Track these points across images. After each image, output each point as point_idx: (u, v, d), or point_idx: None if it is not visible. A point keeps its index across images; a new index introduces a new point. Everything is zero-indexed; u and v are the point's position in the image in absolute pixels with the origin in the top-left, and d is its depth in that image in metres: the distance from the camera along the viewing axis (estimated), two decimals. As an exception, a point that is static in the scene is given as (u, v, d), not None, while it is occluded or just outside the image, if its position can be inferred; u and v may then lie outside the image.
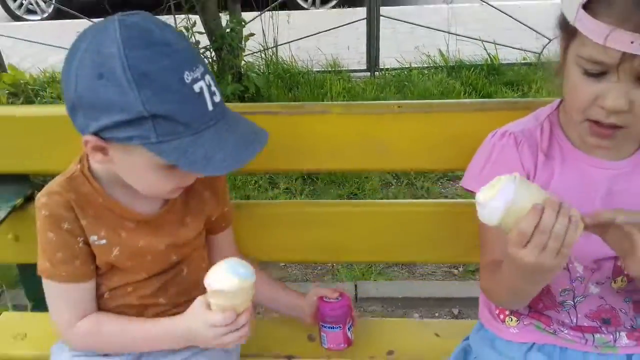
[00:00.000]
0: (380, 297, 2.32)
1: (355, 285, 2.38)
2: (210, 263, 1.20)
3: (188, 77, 0.91)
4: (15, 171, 1.40)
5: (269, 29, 4.29)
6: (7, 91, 4.48)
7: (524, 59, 4.56)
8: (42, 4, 7.03)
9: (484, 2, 4.71)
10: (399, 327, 1.46)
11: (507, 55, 4.57)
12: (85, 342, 1.15)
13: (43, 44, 5.19)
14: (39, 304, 1.33)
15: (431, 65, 4.63)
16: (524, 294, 1.01)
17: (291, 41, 4.41)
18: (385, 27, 5.33)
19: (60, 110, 1.02)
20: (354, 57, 4.99)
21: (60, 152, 1.21)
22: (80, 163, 1.11)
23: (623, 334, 1.10)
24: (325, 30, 5.03)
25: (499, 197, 0.85)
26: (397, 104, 1.27)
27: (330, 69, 4.59)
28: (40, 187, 1.16)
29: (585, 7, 0.87)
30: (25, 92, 4.49)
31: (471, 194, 1.08)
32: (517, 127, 1.10)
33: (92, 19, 4.72)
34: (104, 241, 1.10)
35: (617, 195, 1.03)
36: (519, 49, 4.54)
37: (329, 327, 1.31)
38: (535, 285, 0.97)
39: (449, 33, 4.74)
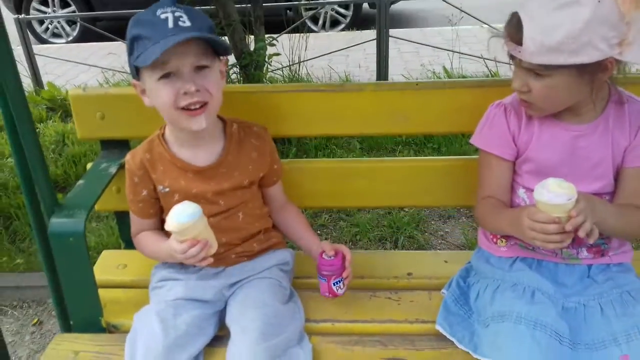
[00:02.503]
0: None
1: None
2: (266, 211, 1.63)
3: (159, 12, 1.33)
4: (118, 137, 1.80)
5: (288, 49, 4.70)
6: (45, 106, 4.90)
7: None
8: (67, 27, 7.45)
9: (485, 24, 5.11)
10: (415, 256, 1.85)
11: (508, 72, 4.91)
12: (137, 246, 1.61)
13: (76, 62, 5.60)
14: (129, 245, 1.71)
15: (437, 81, 5.01)
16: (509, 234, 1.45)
17: (305, 60, 4.80)
18: (392, 48, 5.73)
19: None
20: (365, 75, 5.38)
21: (148, 122, 1.57)
22: (160, 130, 1.53)
23: (584, 248, 1.47)
24: (337, 50, 5.43)
25: (563, 195, 1.21)
26: (416, 82, 1.68)
27: (344, 84, 4.97)
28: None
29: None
30: (62, 106, 4.90)
31: (475, 147, 1.52)
32: (509, 99, 1.50)
33: (117, 39, 5.13)
34: (167, 189, 1.51)
35: (579, 150, 1.41)
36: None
37: (320, 278, 1.54)
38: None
39: (452, 51, 5.13)
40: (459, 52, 5.10)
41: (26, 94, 4.29)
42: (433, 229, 3.12)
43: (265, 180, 1.61)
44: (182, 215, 1.31)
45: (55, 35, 7.53)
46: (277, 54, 4.25)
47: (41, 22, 7.42)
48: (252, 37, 4.22)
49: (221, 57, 1.45)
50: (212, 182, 1.50)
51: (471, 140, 1.53)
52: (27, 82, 5.20)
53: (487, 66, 4.85)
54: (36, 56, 5.28)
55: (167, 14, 1.32)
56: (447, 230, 3.11)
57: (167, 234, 1.55)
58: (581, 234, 1.21)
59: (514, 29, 1.28)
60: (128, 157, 1.54)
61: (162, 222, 1.54)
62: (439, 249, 2.97)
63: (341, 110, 1.67)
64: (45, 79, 5.40)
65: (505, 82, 1.64)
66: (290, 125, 1.72)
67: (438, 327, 1.48)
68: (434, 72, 5.10)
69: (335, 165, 1.84)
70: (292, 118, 1.71)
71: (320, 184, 1.78)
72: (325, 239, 3.03)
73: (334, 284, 1.52)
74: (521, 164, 1.47)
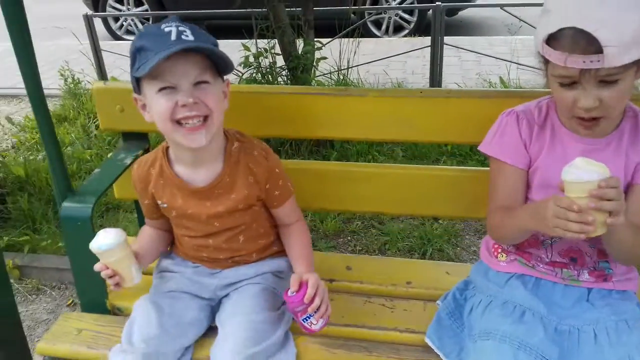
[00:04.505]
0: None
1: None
2: (270, 226, 1.62)
3: (164, 26, 1.33)
4: (138, 130, 1.89)
5: (340, 53, 4.72)
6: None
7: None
8: (140, 25, 7.76)
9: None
10: (417, 265, 1.84)
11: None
12: None
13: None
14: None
15: (441, 89, 4.88)
16: (524, 234, 1.37)
17: (359, 65, 4.80)
18: (452, 55, 5.65)
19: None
20: (419, 82, 5.32)
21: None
22: (166, 142, 1.53)
23: (585, 271, 1.41)
24: (391, 56, 5.39)
25: (593, 173, 1.14)
26: (420, 90, 1.66)
27: (394, 90, 4.95)
28: (154, 143, 1.61)
29: (547, 42, 1.23)
30: (124, 101, 5.12)
31: (484, 155, 1.48)
32: (521, 107, 1.45)
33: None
34: (165, 205, 1.54)
35: None
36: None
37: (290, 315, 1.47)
38: (527, 235, 1.37)
39: (510, 62, 4.99)
40: (517, 63, 4.95)
41: (91, 86, 4.57)
42: (466, 244, 3.05)
43: (266, 202, 1.58)
44: (101, 241, 1.38)
45: (129, 32, 7.85)
46: (324, 58, 4.27)
47: (116, 19, 7.79)
48: (301, 40, 4.28)
49: (224, 78, 1.46)
50: (207, 204, 1.50)
51: (481, 148, 1.48)
52: (92, 76, 5.48)
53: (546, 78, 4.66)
54: (102, 51, 5.54)
55: (171, 28, 1.33)
56: (480, 246, 3.03)
57: (168, 235, 1.65)
58: (610, 219, 1.13)
59: (583, 42, 1.16)
60: (134, 166, 1.59)
61: (169, 222, 1.61)
62: (469, 263, 2.90)
63: (344, 115, 1.67)
64: (114, 73, 5.67)
65: (509, 93, 1.63)
66: (290, 127, 1.74)
67: (427, 339, 1.46)
68: (489, 82, 4.97)
69: (337, 168, 1.84)
70: (295, 120, 1.72)
71: (324, 186, 1.78)
72: (355, 245, 3.06)
73: (303, 321, 1.42)
74: (532, 175, 1.42)
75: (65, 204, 1.60)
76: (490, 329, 1.33)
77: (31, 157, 3.95)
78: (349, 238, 3.13)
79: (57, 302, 2.78)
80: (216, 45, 1.39)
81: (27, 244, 3.04)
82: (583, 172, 1.13)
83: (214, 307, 1.58)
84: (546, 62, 1.27)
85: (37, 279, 2.92)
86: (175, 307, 1.50)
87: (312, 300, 1.39)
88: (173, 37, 1.31)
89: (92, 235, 1.54)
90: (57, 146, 1.61)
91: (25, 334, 1.93)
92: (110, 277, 1.41)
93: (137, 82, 1.40)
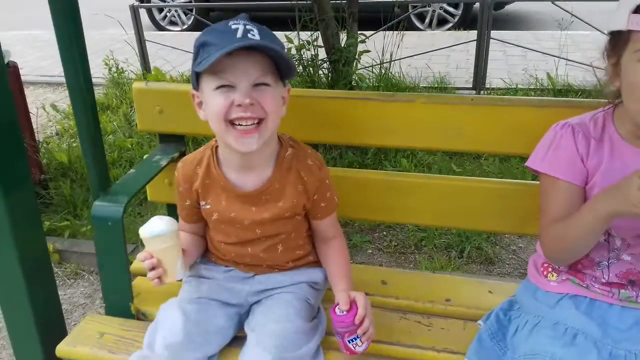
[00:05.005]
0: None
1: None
2: (308, 237, 1.57)
3: (231, 23, 1.29)
4: (175, 132, 1.86)
5: (383, 46, 4.63)
6: (150, 89, 5.19)
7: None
8: (183, 16, 7.85)
9: (597, 29, 4.75)
10: (457, 282, 1.74)
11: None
12: None
13: (182, 50, 5.87)
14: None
15: (538, 87, 4.74)
16: (592, 236, 1.24)
17: (402, 58, 4.71)
18: (497, 50, 5.50)
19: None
20: (463, 77, 5.19)
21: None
22: (215, 141, 1.49)
23: (646, 292, 1.30)
24: (432, 50, 5.28)
25: None
26: (471, 97, 1.56)
27: (436, 86, 4.84)
28: (193, 146, 1.58)
29: (635, 12, 1.13)
30: (165, 91, 5.17)
31: (533, 172, 1.38)
32: (575, 119, 1.35)
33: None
34: (208, 206, 1.49)
35: None
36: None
37: (336, 334, 1.40)
38: (595, 236, 1.24)
39: (559, 57, 4.81)
40: (565, 59, 4.77)
41: (134, 77, 4.63)
42: (505, 243, 2.97)
43: (309, 213, 1.53)
44: (153, 227, 1.33)
45: (172, 23, 7.95)
46: (367, 51, 4.20)
47: (160, 10, 7.85)
48: (344, 33, 4.21)
49: (285, 83, 1.40)
50: (253, 209, 1.45)
51: (531, 165, 1.38)
52: (136, 66, 5.54)
53: (596, 75, 4.48)
54: (146, 42, 5.59)
55: (238, 25, 1.28)
56: (521, 245, 2.95)
57: (204, 241, 1.60)
58: None
59: None
60: (179, 164, 1.53)
61: (204, 228, 1.58)
62: (507, 264, 2.82)
63: (390, 121, 1.60)
64: (157, 63, 5.71)
65: (568, 103, 1.52)
66: (334, 132, 1.68)
67: (466, 361, 1.39)
68: (536, 78, 4.81)
69: (381, 177, 1.75)
70: (339, 125, 1.66)
71: (365, 196, 1.71)
72: (390, 240, 3.02)
73: (349, 342, 1.37)
74: (589, 192, 1.31)
75: (97, 203, 1.59)
76: (538, 351, 1.24)
77: (74, 144, 4.02)
78: (384, 233, 3.08)
79: (94, 287, 2.82)
80: (283, 48, 1.34)
81: (68, 229, 3.10)
82: None
83: (242, 315, 1.53)
84: (622, 47, 1.18)
85: (76, 264, 2.97)
86: (202, 314, 1.45)
87: (362, 321, 1.34)
88: (239, 34, 1.26)
89: (121, 236, 1.55)
90: (93, 143, 1.59)
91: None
92: (153, 268, 1.35)
93: (197, 78, 1.35)
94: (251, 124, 1.31)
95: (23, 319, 1.70)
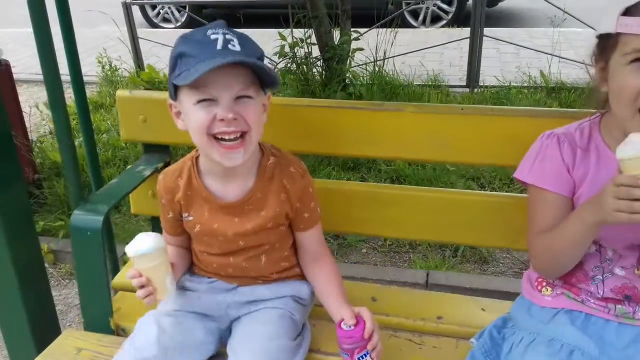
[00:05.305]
0: (449, 285, 2.53)
1: (427, 273, 2.62)
2: (295, 256, 1.54)
3: (209, 32, 1.24)
4: (160, 142, 1.82)
5: (377, 44, 4.62)
6: (143, 87, 5.16)
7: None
8: (176, 13, 7.80)
9: (589, 27, 4.74)
10: (450, 299, 1.71)
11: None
12: None
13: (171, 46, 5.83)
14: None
15: (531, 85, 4.73)
16: (580, 246, 1.23)
17: (395, 56, 4.69)
18: (490, 47, 5.48)
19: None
20: (456, 74, 5.18)
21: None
22: (196, 151, 1.46)
23: (642, 308, 1.29)
24: (426, 48, 5.26)
25: None
26: (461, 107, 1.55)
27: (430, 84, 4.83)
28: (176, 156, 1.56)
29: (624, 14, 1.11)
30: (158, 88, 5.13)
31: (521, 184, 1.37)
32: (561, 129, 1.34)
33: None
34: (191, 218, 1.45)
35: None
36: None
37: (342, 353, 1.33)
38: (583, 246, 1.23)
39: (552, 55, 4.80)
40: (558, 56, 4.76)
41: (127, 74, 4.58)
42: (499, 242, 2.97)
43: (293, 224, 1.49)
44: (139, 244, 1.30)
45: (166, 20, 7.90)
46: (361, 49, 4.18)
47: (154, 7, 7.80)
48: (338, 30, 4.19)
49: (266, 91, 1.36)
50: (235, 219, 1.42)
51: (518, 176, 1.37)
52: (130, 63, 5.50)
53: (588, 73, 4.47)
54: (139, 39, 5.55)
55: (217, 35, 1.24)
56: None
57: (189, 253, 1.57)
58: None
59: None
60: (160, 176, 1.50)
61: (189, 240, 1.55)
62: (501, 263, 2.82)
63: (378, 131, 1.58)
64: (151, 60, 5.68)
65: (560, 113, 1.50)
66: (321, 142, 1.65)
67: (459, 382, 1.38)
68: (529, 76, 4.80)
69: (366, 189, 1.73)
70: (326, 135, 1.63)
71: (351, 208, 1.68)
72: (385, 240, 2.99)
73: (359, 359, 1.30)
74: (576, 202, 1.30)
75: (76, 212, 1.55)
76: (534, 369, 1.23)
77: (68, 143, 3.99)
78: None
79: (90, 288, 2.81)
80: (262, 55, 1.32)
81: (62, 229, 3.09)
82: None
83: (223, 332, 1.50)
84: (610, 49, 1.16)
85: (71, 264, 2.95)
86: (179, 327, 1.41)
87: (370, 336, 1.30)
88: (219, 45, 1.22)
89: (101, 247, 1.52)
90: (72, 152, 1.59)
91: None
92: (142, 286, 1.32)
93: (175, 88, 1.31)
94: (234, 138, 1.28)
95: (17, 320, 1.68)
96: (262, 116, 1.36)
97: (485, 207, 1.61)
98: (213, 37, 1.24)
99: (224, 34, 1.24)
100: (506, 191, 3.23)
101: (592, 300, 1.32)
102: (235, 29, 1.29)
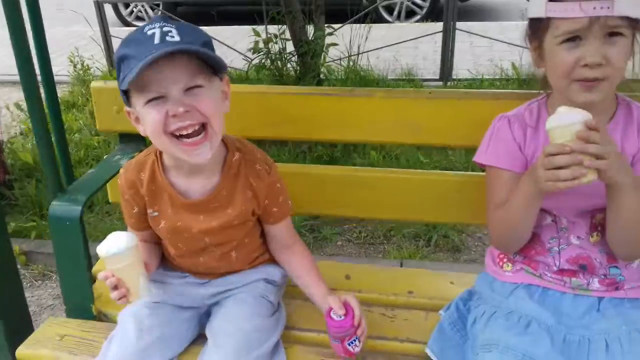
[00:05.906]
0: (422, 273, 2.57)
1: (401, 262, 2.67)
2: (266, 249, 1.54)
3: (146, 29, 1.21)
4: (134, 131, 1.77)
5: (351, 39, 4.65)
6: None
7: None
8: (150, 11, 7.73)
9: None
10: (420, 275, 1.77)
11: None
12: None
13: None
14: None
15: (503, 77, 4.80)
16: (530, 216, 1.30)
17: (369, 51, 4.73)
18: (464, 41, 5.55)
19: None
20: (430, 68, 5.24)
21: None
22: None
23: (595, 279, 1.36)
24: (401, 42, 5.30)
25: (575, 114, 1.13)
26: (429, 91, 1.60)
27: (404, 78, 4.88)
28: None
29: (551, 0, 1.19)
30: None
31: (480, 166, 1.43)
32: (512, 112, 1.42)
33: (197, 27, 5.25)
34: (156, 213, 1.41)
35: None
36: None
37: (332, 339, 1.40)
38: (531, 215, 1.30)
39: (524, 47, 4.86)
40: (528, 48, 4.82)
41: (101, 73, 4.53)
42: (471, 230, 3.04)
43: (261, 218, 1.49)
44: (110, 244, 1.29)
45: (139, 18, 7.80)
46: (335, 44, 4.21)
47: (127, 5, 7.73)
48: (312, 26, 4.21)
49: (221, 77, 1.31)
50: (200, 217, 1.39)
51: (477, 159, 1.43)
52: (102, 63, 5.46)
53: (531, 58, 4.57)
54: (112, 38, 5.51)
55: (154, 30, 1.19)
56: (486, 232, 3.00)
57: (159, 247, 1.55)
58: (587, 162, 1.11)
59: None
60: (121, 170, 1.46)
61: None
62: (473, 251, 2.88)
63: (350, 116, 1.62)
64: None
65: (523, 95, 1.55)
66: (294, 128, 1.68)
67: (427, 350, 1.42)
68: (501, 69, 4.88)
69: (340, 172, 1.77)
70: (298, 121, 1.66)
71: (324, 191, 1.72)
72: (360, 232, 3.03)
73: (349, 344, 1.38)
74: None
75: (54, 203, 1.56)
76: (493, 340, 1.28)
77: (39, 144, 3.95)
78: (354, 224, 3.11)
79: (62, 288, 2.79)
80: (208, 41, 1.26)
81: (34, 230, 3.07)
82: (564, 115, 1.13)
83: (202, 316, 1.52)
84: (543, 32, 1.25)
85: (43, 265, 2.94)
86: (157, 319, 1.41)
87: (360, 323, 1.36)
88: (156, 40, 1.17)
89: (80, 236, 1.53)
90: (47, 140, 1.57)
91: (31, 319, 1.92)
92: (115, 287, 1.29)
93: (127, 94, 1.27)
94: (193, 132, 1.24)
95: (-11, 321, 1.67)
96: (222, 104, 1.33)
97: (449, 185, 1.67)
98: (150, 32, 1.20)
99: (161, 27, 1.20)
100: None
101: (549, 274, 1.39)
102: (175, 20, 1.26)
